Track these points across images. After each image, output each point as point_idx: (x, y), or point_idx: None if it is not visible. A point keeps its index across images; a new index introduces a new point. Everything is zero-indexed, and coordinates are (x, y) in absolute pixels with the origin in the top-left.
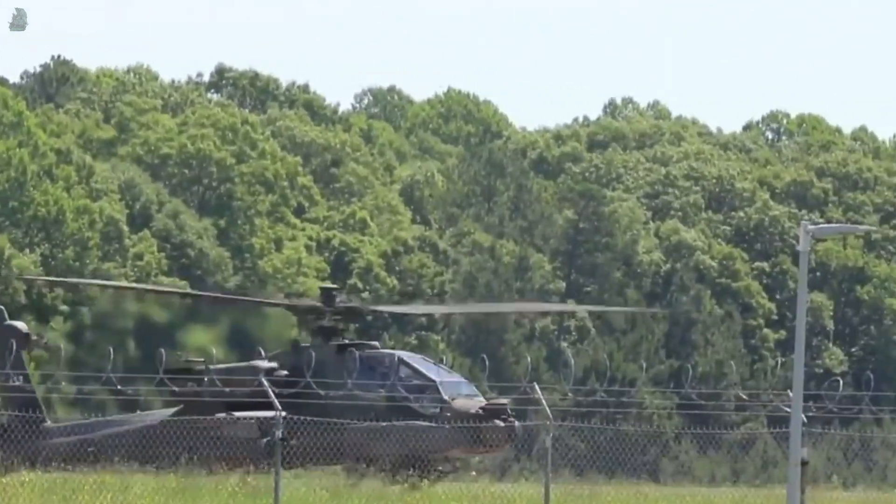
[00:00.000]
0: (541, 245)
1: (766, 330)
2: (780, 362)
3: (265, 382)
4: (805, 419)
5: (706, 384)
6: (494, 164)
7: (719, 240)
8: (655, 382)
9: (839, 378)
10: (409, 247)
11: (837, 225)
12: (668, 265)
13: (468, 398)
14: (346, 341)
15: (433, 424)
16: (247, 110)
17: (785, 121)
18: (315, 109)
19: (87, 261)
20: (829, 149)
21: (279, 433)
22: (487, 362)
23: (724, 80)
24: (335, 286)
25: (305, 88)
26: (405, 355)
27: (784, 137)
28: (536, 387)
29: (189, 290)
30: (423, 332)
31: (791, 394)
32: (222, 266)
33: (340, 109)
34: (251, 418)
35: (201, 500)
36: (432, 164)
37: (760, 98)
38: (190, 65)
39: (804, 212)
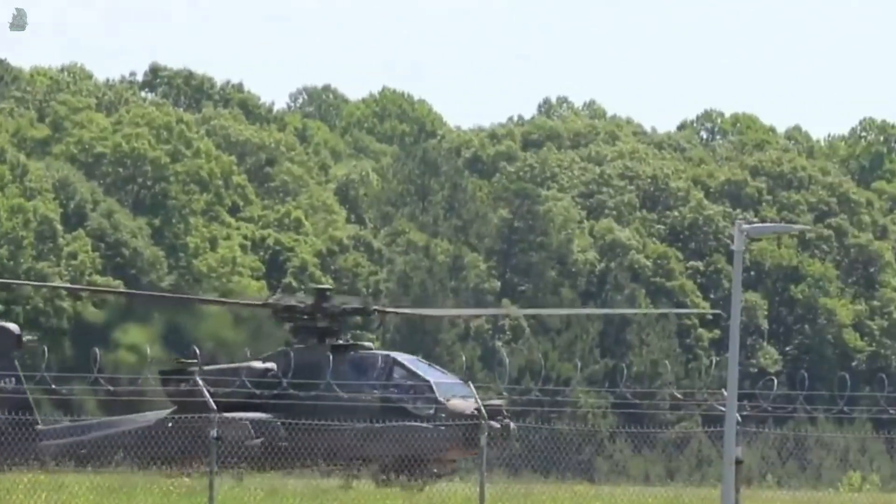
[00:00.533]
0: (475, 244)
1: (700, 329)
2: (714, 361)
3: (200, 381)
4: (739, 418)
5: (641, 383)
6: (429, 164)
7: (654, 239)
8: (590, 382)
9: (773, 377)
10: (344, 246)
11: (772, 224)
12: (603, 264)
13: (463, 399)
14: (341, 342)
15: (428, 425)
16: (181, 109)
17: (719, 120)
18: (250, 108)
19: (22, 260)
20: (763, 148)
21: (214, 432)
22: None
23: (658, 79)
24: (329, 287)
25: (240, 87)
26: (399, 356)
27: (718, 137)
28: (471, 386)
29: (186, 294)
30: (358, 331)
31: (725, 393)
32: (157, 265)
33: (275, 108)
34: (244, 419)
35: (135, 499)
36: (367, 163)
37: (694, 97)
38: (124, 64)
39: (738, 211)
